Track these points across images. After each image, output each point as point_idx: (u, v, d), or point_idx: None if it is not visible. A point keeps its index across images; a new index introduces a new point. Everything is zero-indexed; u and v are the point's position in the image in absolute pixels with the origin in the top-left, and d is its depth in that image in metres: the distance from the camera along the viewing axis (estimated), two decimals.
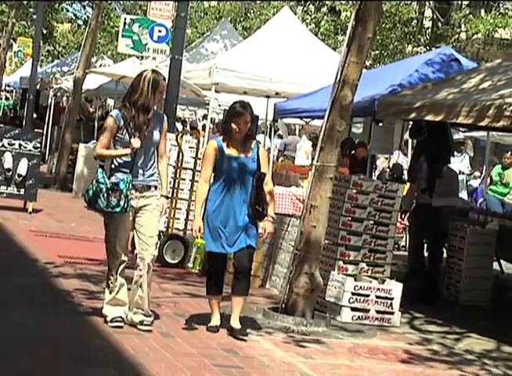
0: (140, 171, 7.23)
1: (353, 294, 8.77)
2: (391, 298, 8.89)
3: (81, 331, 7.09)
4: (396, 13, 26.10)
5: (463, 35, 27.28)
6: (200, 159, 11.21)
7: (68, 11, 33.06)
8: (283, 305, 8.44)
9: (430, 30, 29.01)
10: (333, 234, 9.01)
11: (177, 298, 8.76)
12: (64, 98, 28.59)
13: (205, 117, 25.73)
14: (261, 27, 21.84)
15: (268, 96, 16.12)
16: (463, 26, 27.05)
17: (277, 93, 15.23)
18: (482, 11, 26.95)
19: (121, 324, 7.17)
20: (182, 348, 6.88)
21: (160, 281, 9.49)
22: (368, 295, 8.83)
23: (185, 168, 11.25)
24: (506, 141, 21.34)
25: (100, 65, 25.21)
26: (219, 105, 21.11)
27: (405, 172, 15.16)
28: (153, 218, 7.28)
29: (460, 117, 9.19)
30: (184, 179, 11.26)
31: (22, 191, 14.05)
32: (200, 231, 7.43)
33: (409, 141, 16.38)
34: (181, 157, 11.12)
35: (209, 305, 7.60)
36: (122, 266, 7.36)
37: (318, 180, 8.42)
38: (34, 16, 24.39)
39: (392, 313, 8.88)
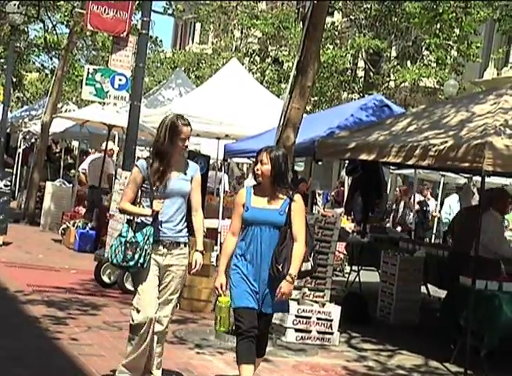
0: (168, 226, 6.01)
1: (296, 316, 8.77)
2: (331, 320, 8.91)
3: (48, 353, 6.98)
4: (333, 64, 26.42)
5: (391, 83, 27.68)
6: None
7: (36, 61, 32.87)
8: (234, 327, 8.39)
9: (363, 78, 29.41)
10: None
11: None
12: (32, 140, 28.33)
13: None
14: (212, 75, 21.94)
15: (218, 138, 16.15)
16: (391, 75, 27.46)
17: (227, 135, 15.28)
18: (409, 62, 27.39)
19: None
20: None
21: (121, 307, 9.41)
22: (310, 317, 8.84)
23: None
24: (431, 178, 21.60)
25: (66, 110, 25.01)
26: None
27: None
28: (175, 280, 6.09)
29: (390, 157, 9.28)
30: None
31: None
32: (222, 288, 6.09)
33: (346, 178, 16.51)
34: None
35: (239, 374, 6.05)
36: (147, 327, 5.95)
37: None
38: (5, 66, 24.21)
39: (332, 333, 8.89)
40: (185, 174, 6.08)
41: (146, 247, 5.87)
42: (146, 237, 5.89)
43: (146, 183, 6.03)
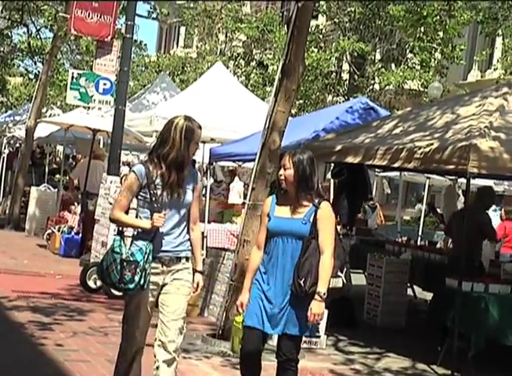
0: (168, 239, 5.26)
1: None
2: (317, 323, 8.87)
3: (34, 359, 6.94)
4: (317, 67, 26.43)
5: (376, 86, 27.73)
6: None
7: (20, 66, 32.75)
8: (220, 332, 8.38)
9: (347, 81, 29.43)
10: None
11: None
12: (17, 145, 28.21)
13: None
14: (197, 79, 21.91)
15: (204, 142, 16.10)
16: (376, 78, 27.51)
17: (212, 139, 15.23)
18: (393, 65, 27.46)
19: None
20: None
21: (107, 312, 9.37)
22: None
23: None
24: (417, 180, 21.65)
25: (50, 115, 24.91)
26: None
27: None
28: (179, 298, 5.27)
29: (376, 159, 9.29)
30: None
31: None
32: (242, 307, 5.48)
33: (331, 181, 16.52)
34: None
35: None
36: (137, 356, 5.35)
37: (250, 217, 8.43)
38: None
39: (319, 337, 8.87)
40: (189, 182, 5.35)
41: (146, 266, 5.12)
42: (146, 256, 5.13)
43: (144, 191, 5.27)
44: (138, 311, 5.24)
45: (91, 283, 10.71)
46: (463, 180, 12.55)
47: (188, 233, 5.37)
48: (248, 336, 5.40)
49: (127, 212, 5.35)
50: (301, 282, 5.23)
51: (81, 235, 14.19)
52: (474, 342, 8.27)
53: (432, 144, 8.59)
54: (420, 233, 17.48)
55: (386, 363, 8.51)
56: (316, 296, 5.24)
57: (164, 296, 5.27)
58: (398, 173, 17.21)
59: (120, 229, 5.33)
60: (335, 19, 28.24)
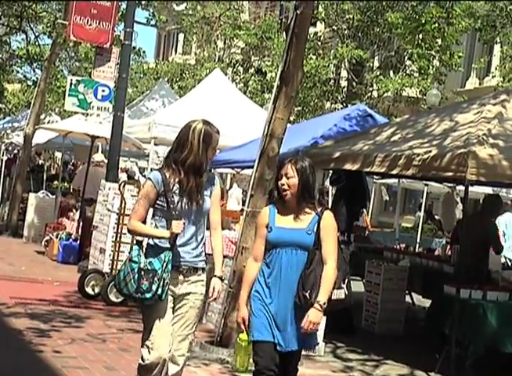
0: (186, 249, 5.10)
1: None
2: (316, 330, 8.86)
3: (31, 366, 6.93)
4: (316, 74, 26.47)
5: (374, 93, 27.76)
6: None
7: (18, 72, 32.79)
8: (218, 338, 8.37)
9: (345, 88, 29.48)
10: None
11: (121, 334, 8.63)
12: (15, 151, 28.22)
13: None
14: (195, 86, 21.93)
15: None
16: (374, 85, 27.54)
17: None
18: (391, 72, 27.50)
19: None
20: None
21: (105, 319, 9.36)
22: None
23: (128, 215, 11.11)
24: (415, 187, 21.69)
25: (48, 121, 24.93)
26: (158, 156, 21.03)
27: None
28: (192, 311, 5.17)
29: (374, 166, 9.30)
30: (126, 225, 11.11)
31: None
32: (245, 324, 5.24)
33: (330, 188, 16.53)
34: (123, 204, 11.02)
35: None
36: (159, 368, 5.10)
37: (249, 224, 8.42)
38: None
39: (317, 344, 8.85)
40: (208, 188, 5.18)
41: (164, 275, 4.93)
42: (165, 264, 4.94)
43: (161, 200, 5.06)
44: (154, 320, 5.03)
45: (89, 290, 10.71)
46: (461, 187, 12.55)
47: (204, 241, 5.23)
48: (261, 351, 5.11)
49: (144, 222, 5.15)
50: (307, 294, 5.05)
51: (79, 241, 14.18)
52: (472, 349, 8.27)
53: (430, 151, 8.60)
54: (418, 240, 17.49)
55: (384, 371, 8.50)
56: (316, 304, 5.05)
57: (178, 309, 5.13)
58: (396, 180, 17.23)
59: (139, 239, 5.17)
60: (333, 27, 28.31)
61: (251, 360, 5.43)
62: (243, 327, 5.24)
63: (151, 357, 5.04)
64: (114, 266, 10.88)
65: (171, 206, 5.01)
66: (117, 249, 10.89)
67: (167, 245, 5.00)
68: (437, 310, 8.96)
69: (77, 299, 10.51)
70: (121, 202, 11.04)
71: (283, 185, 5.17)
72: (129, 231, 5.28)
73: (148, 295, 4.91)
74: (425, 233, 20.24)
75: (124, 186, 11.18)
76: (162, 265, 4.93)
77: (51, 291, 10.90)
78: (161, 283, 4.92)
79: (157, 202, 5.07)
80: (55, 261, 14.26)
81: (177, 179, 5.03)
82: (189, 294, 5.13)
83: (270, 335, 5.08)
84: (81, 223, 14.44)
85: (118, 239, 10.95)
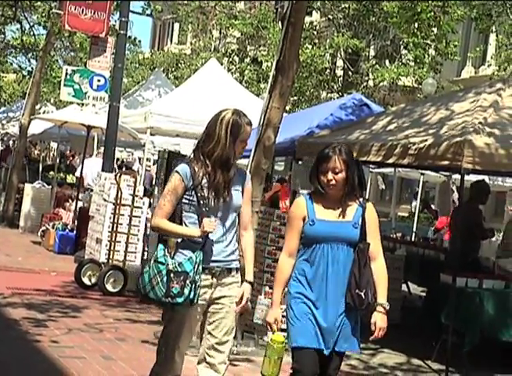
0: (218, 248, 4.66)
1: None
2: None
3: (28, 356, 6.93)
4: (312, 63, 26.44)
5: (370, 83, 27.75)
6: (137, 196, 11.18)
7: (13, 63, 32.69)
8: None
9: (341, 78, 29.47)
10: (259, 262, 8.99)
11: (118, 324, 8.64)
12: (11, 142, 28.19)
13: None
14: (191, 76, 21.89)
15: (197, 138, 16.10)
16: (370, 74, 27.53)
17: None
18: (387, 61, 27.48)
19: None
20: (123, 370, 6.78)
21: (102, 309, 9.38)
22: None
23: (124, 205, 11.14)
24: (411, 176, 21.68)
25: (44, 111, 24.90)
26: (154, 146, 21.03)
27: None
28: (229, 315, 4.71)
29: (371, 156, 9.30)
30: (123, 215, 11.13)
31: None
32: (277, 324, 4.79)
33: None
34: (120, 194, 11.02)
35: None
36: None
37: None
38: None
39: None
40: (237, 183, 4.80)
41: (196, 278, 4.50)
42: (196, 266, 4.51)
43: (189, 194, 4.63)
44: (181, 329, 4.64)
45: (85, 280, 10.73)
46: (457, 176, 12.58)
47: (237, 240, 4.81)
48: (304, 358, 4.66)
49: (171, 219, 4.66)
50: (362, 294, 4.64)
51: (75, 232, 14.18)
52: (469, 338, 8.29)
53: (426, 140, 8.60)
54: (414, 229, 17.51)
55: (381, 359, 8.52)
56: (379, 308, 4.72)
57: (214, 315, 4.70)
58: (392, 169, 17.24)
59: (163, 236, 4.73)
60: (329, 16, 28.26)
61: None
62: (275, 327, 4.78)
63: (164, 370, 4.75)
64: (111, 256, 10.90)
65: (201, 202, 4.62)
66: (113, 239, 10.91)
67: (198, 244, 4.58)
68: (433, 299, 8.99)
69: (73, 289, 10.52)
70: (117, 192, 11.04)
71: (330, 180, 4.71)
72: (153, 229, 4.81)
73: (180, 300, 4.47)
74: (421, 222, 20.26)
75: (120, 176, 11.18)
76: (194, 267, 4.50)
77: (47, 282, 10.91)
78: (193, 287, 4.49)
79: (185, 197, 4.65)
80: (51, 251, 14.26)
81: (205, 172, 4.64)
82: (223, 297, 4.70)
83: (316, 341, 4.67)
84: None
85: (115, 229, 10.97)
